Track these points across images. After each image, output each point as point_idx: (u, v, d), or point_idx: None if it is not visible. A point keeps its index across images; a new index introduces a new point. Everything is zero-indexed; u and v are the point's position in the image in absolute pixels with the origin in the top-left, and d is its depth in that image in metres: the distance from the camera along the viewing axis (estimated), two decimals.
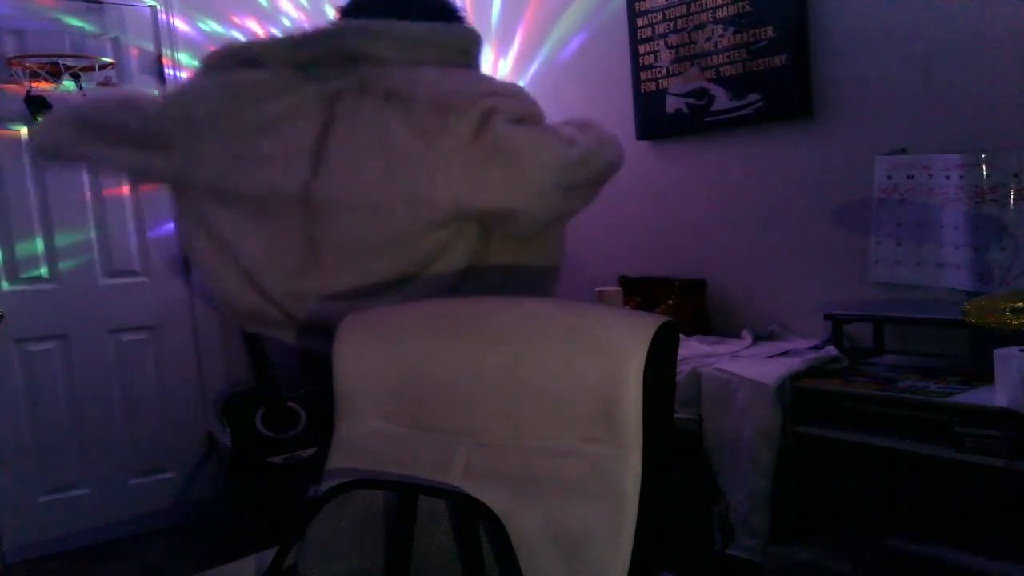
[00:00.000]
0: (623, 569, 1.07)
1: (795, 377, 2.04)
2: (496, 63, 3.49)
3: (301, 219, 1.56)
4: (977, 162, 2.07)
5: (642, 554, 1.08)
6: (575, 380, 1.14)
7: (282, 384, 2.99)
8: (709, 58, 2.67)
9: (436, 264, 1.53)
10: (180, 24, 3.30)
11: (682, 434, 2.15)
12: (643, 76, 2.89)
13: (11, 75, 2.94)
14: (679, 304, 2.69)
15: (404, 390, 1.31)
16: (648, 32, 2.85)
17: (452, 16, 1.70)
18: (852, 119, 2.37)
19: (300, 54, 1.59)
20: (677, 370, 2.00)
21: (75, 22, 3.12)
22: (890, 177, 2.26)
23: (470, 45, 1.64)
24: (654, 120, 2.88)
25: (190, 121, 1.64)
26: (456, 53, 1.61)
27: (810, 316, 2.45)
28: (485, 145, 1.44)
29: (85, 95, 1.83)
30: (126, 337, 3.28)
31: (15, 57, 2.94)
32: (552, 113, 1.62)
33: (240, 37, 3.36)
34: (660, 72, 2.83)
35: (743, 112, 2.60)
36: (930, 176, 2.18)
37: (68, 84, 3.00)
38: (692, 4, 2.70)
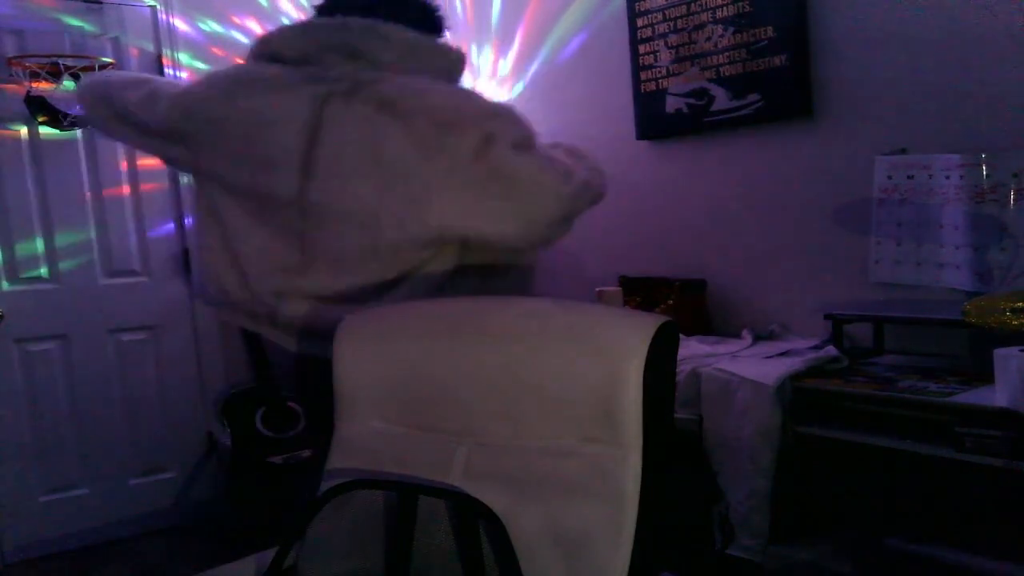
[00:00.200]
0: (623, 569, 1.07)
1: (795, 377, 2.04)
2: (496, 63, 3.49)
3: (295, 221, 1.56)
4: (977, 162, 2.07)
5: (642, 554, 1.08)
6: (575, 380, 1.14)
7: (282, 384, 2.99)
8: (709, 58, 2.67)
9: (424, 268, 1.54)
10: (180, 24, 3.30)
11: (682, 434, 2.15)
12: (643, 76, 2.89)
13: (11, 75, 2.94)
14: (679, 304, 2.69)
15: (404, 390, 1.31)
16: (648, 32, 2.85)
17: (437, 24, 1.69)
18: (852, 119, 2.37)
19: (310, 43, 1.58)
20: (677, 370, 2.00)
21: (75, 22, 3.12)
22: (890, 177, 2.26)
23: (456, 65, 1.65)
24: (654, 120, 2.88)
25: (191, 120, 1.65)
26: (444, 70, 1.62)
27: (810, 316, 2.45)
28: (485, 170, 1.45)
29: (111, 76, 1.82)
30: (126, 337, 3.28)
31: (15, 57, 2.94)
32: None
33: (240, 37, 3.36)
34: (660, 72, 2.83)
35: (743, 112, 2.60)
36: (930, 176, 2.18)
37: (68, 84, 3.00)
38: (692, 4, 2.70)
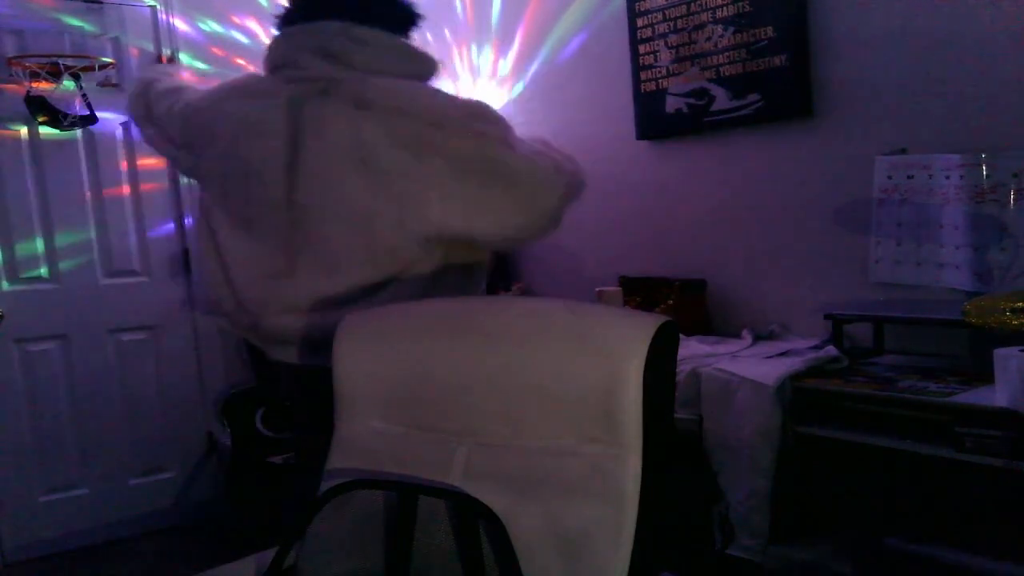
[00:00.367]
0: (623, 569, 1.07)
1: (795, 377, 2.04)
2: (496, 63, 3.49)
3: (284, 226, 1.57)
4: (977, 162, 2.07)
5: (642, 554, 1.08)
6: (575, 380, 1.14)
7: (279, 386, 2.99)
8: (709, 58, 2.67)
9: (411, 270, 1.54)
10: (180, 24, 3.30)
11: (682, 434, 2.15)
12: (643, 76, 2.89)
13: (11, 75, 2.94)
14: (679, 304, 2.69)
15: (404, 390, 1.31)
16: (648, 32, 2.85)
17: (406, 24, 1.70)
18: (852, 119, 2.36)
19: (288, 48, 1.61)
20: (677, 370, 2.00)
21: (75, 22, 3.12)
22: (890, 177, 2.26)
23: (428, 70, 1.66)
24: (654, 120, 2.88)
25: (191, 128, 1.69)
26: (416, 75, 1.63)
27: (810, 316, 2.45)
28: (482, 169, 1.45)
29: (156, 80, 1.90)
30: (126, 337, 3.28)
31: (15, 57, 2.94)
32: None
33: (240, 37, 3.36)
34: (660, 72, 2.83)
35: (743, 112, 2.60)
36: (930, 176, 2.18)
37: (68, 84, 3.00)
38: (692, 4, 2.70)
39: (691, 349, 2.41)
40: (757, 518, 2.03)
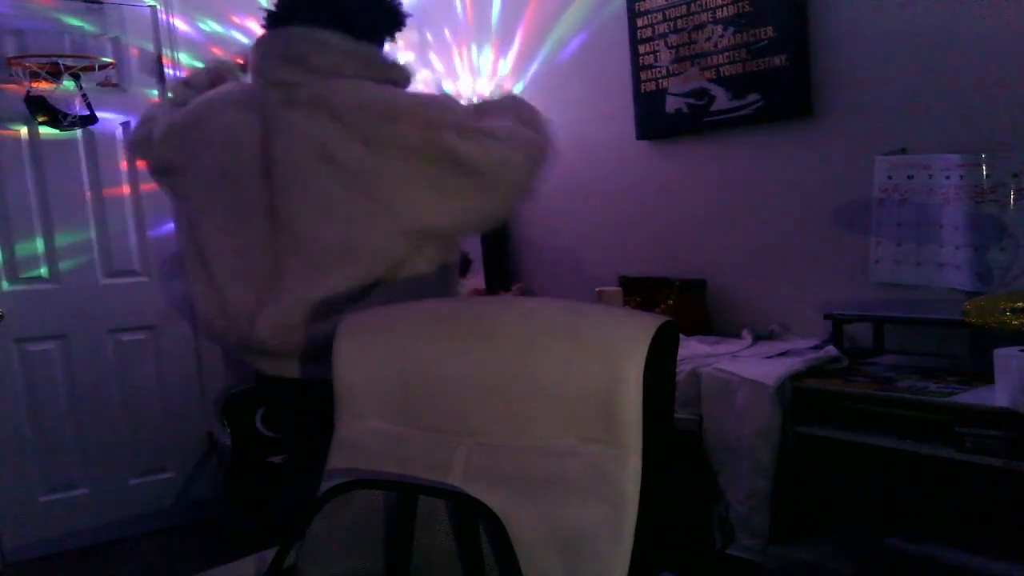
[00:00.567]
0: (623, 569, 1.07)
1: (795, 377, 2.04)
2: (496, 63, 3.49)
3: (268, 233, 1.57)
4: (977, 162, 2.07)
5: (642, 554, 1.08)
6: (575, 380, 1.14)
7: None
8: (709, 58, 2.67)
9: (404, 270, 1.55)
10: (180, 24, 3.30)
11: (682, 434, 2.15)
12: (643, 76, 2.89)
13: (11, 75, 2.94)
14: (679, 304, 2.69)
15: (404, 390, 1.31)
16: (648, 32, 2.85)
17: (378, 30, 1.70)
18: (852, 119, 2.36)
19: (258, 54, 1.63)
20: (677, 370, 2.00)
21: (75, 22, 3.12)
22: (890, 177, 2.26)
23: (393, 75, 1.64)
24: (654, 120, 2.88)
25: (173, 146, 1.72)
26: (383, 81, 1.61)
27: (810, 316, 2.45)
28: (437, 159, 1.46)
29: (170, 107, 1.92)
30: (126, 337, 3.28)
31: (15, 57, 2.94)
32: (552, 113, 1.63)
33: (240, 37, 3.36)
34: (660, 72, 2.83)
35: (743, 112, 2.60)
36: (930, 176, 2.18)
37: (68, 84, 3.00)
38: (692, 4, 2.70)
39: (691, 349, 2.41)
40: (757, 518, 2.03)
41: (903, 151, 2.23)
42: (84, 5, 3.13)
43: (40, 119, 2.97)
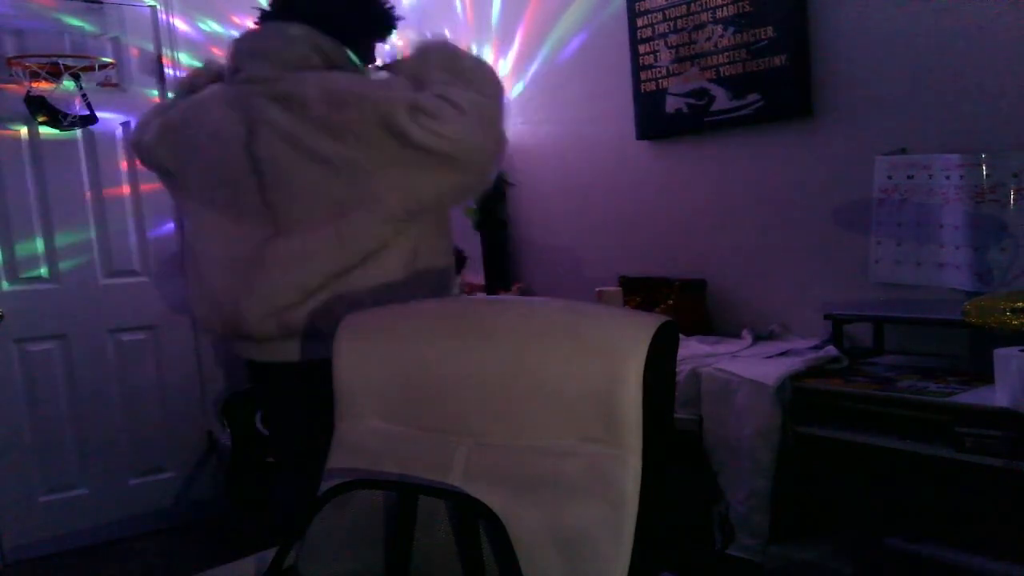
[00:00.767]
0: (623, 569, 1.07)
1: (795, 377, 2.03)
2: (496, 63, 3.49)
3: (263, 230, 1.59)
4: (977, 162, 2.07)
5: (642, 554, 1.08)
6: (575, 380, 1.14)
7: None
8: (709, 58, 2.67)
9: (384, 253, 1.55)
10: (180, 24, 3.30)
11: (682, 434, 2.15)
12: (643, 76, 2.89)
13: (11, 75, 2.94)
14: (679, 304, 2.69)
15: (404, 390, 1.31)
16: (648, 32, 2.85)
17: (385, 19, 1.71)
18: (852, 119, 2.36)
19: (236, 51, 1.65)
20: (677, 370, 2.00)
21: (75, 22, 3.12)
22: (890, 177, 2.26)
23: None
24: (654, 120, 2.88)
25: (167, 147, 1.74)
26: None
27: (810, 316, 2.45)
28: (396, 142, 1.46)
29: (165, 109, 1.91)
30: (126, 337, 3.28)
31: (15, 57, 2.94)
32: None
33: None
34: (660, 72, 2.83)
35: (743, 112, 2.60)
36: (930, 176, 2.18)
37: (68, 84, 3.00)
38: (692, 4, 2.70)
39: (691, 349, 2.41)
40: (757, 518, 2.03)
41: (903, 151, 2.23)
42: (84, 5, 3.13)
43: (40, 119, 2.97)
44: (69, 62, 2.97)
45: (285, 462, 1.97)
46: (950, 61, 2.14)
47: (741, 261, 2.70)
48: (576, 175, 3.21)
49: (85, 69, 3.01)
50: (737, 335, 2.57)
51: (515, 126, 3.40)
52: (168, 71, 3.28)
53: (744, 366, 2.13)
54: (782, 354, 2.25)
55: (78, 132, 3.12)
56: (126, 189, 3.26)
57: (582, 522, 1.10)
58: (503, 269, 3.46)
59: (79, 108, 3.04)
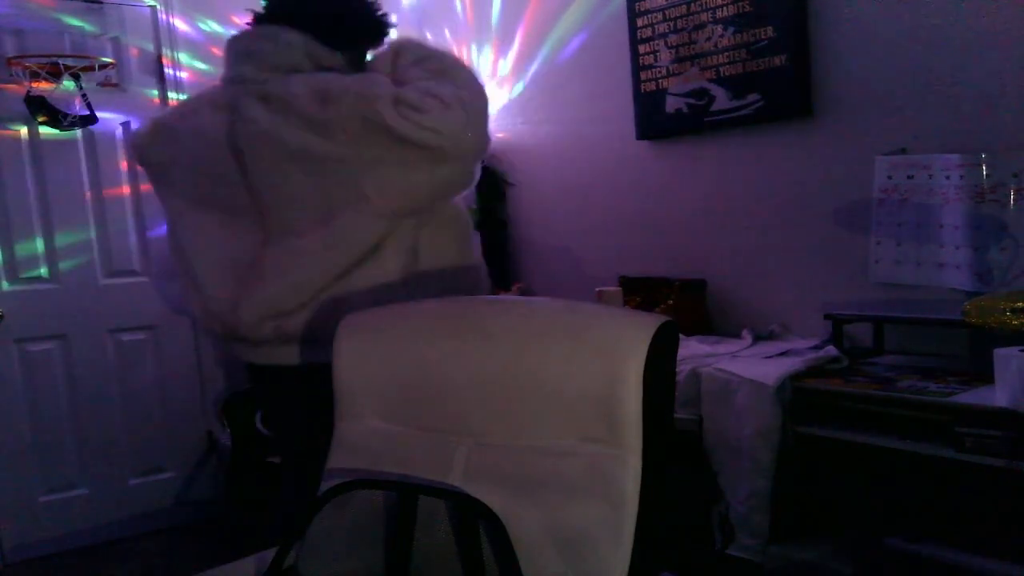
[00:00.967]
0: (623, 569, 1.07)
1: (795, 377, 2.03)
2: (496, 63, 3.49)
3: (251, 230, 1.59)
4: (977, 162, 2.07)
5: (642, 554, 1.08)
6: (575, 380, 1.14)
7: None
8: (709, 58, 2.67)
9: (380, 252, 1.55)
10: (180, 24, 3.30)
11: (682, 434, 2.15)
12: (643, 76, 2.89)
13: (11, 75, 2.94)
14: (679, 304, 2.69)
15: (404, 390, 1.31)
16: (648, 32, 2.85)
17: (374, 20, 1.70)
18: (852, 119, 2.36)
19: (228, 53, 1.66)
20: (677, 370, 2.00)
21: (75, 22, 3.12)
22: (890, 177, 2.26)
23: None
24: (654, 120, 2.88)
25: (160, 146, 1.73)
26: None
27: (810, 316, 2.45)
28: (382, 136, 1.46)
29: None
30: (126, 337, 3.28)
31: (15, 57, 2.94)
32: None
33: None
34: (660, 72, 2.83)
35: (743, 112, 2.60)
36: (930, 176, 2.18)
37: (68, 84, 3.00)
38: (692, 4, 2.70)
39: (691, 349, 2.41)
40: (757, 518, 2.03)
41: (903, 151, 2.23)
42: (84, 5, 3.13)
43: (40, 119, 2.97)
44: (69, 62, 2.97)
45: (285, 462, 1.97)
46: (950, 61, 2.14)
47: (741, 261, 2.70)
48: (576, 175, 3.21)
49: (85, 69, 3.01)
50: (737, 335, 2.57)
51: (515, 126, 3.40)
52: (168, 71, 3.28)
53: (744, 366, 2.13)
54: (782, 354, 2.25)
55: (78, 132, 3.13)
56: (126, 189, 3.26)
57: (582, 522, 1.10)
58: (503, 269, 3.46)
59: (79, 108, 3.04)
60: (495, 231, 3.47)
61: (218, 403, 3.33)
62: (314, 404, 1.44)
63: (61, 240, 3.13)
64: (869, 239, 2.32)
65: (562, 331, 1.19)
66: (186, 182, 1.69)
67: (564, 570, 1.09)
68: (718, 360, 2.23)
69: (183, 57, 3.30)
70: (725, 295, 2.75)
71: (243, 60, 1.60)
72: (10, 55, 2.95)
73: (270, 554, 1.20)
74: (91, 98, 3.05)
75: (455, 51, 3.64)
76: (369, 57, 1.69)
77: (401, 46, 1.62)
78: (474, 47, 3.58)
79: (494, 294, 3.29)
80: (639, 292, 2.85)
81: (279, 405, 1.81)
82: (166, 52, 3.27)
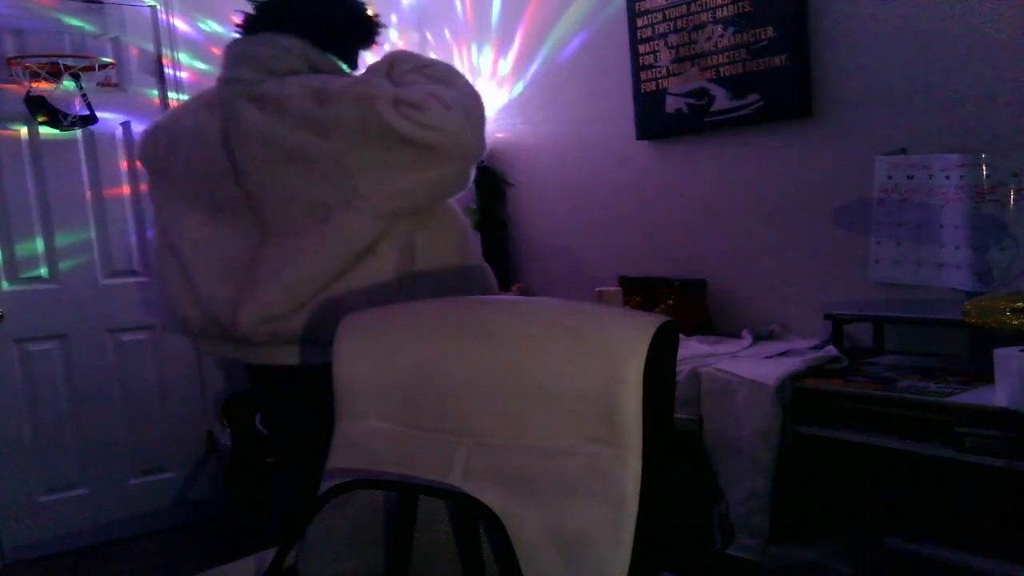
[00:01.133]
0: (623, 569, 1.07)
1: (795, 377, 2.03)
2: (496, 63, 3.49)
3: (245, 229, 1.60)
4: (977, 162, 2.07)
5: (642, 554, 1.08)
6: (575, 380, 1.14)
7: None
8: (709, 58, 2.67)
9: (376, 251, 1.54)
10: (180, 24, 3.30)
11: (682, 434, 2.15)
12: (643, 76, 2.89)
13: (11, 75, 2.94)
14: (679, 304, 2.69)
15: (404, 390, 1.31)
16: (648, 32, 2.85)
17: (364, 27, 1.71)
18: (852, 119, 2.36)
19: (226, 56, 1.68)
20: (677, 370, 2.00)
21: (75, 22, 3.12)
22: (890, 177, 2.26)
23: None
24: (654, 120, 2.88)
25: (158, 146, 1.75)
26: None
27: (810, 316, 2.45)
28: (382, 136, 1.45)
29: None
30: (126, 337, 3.28)
31: (15, 57, 2.94)
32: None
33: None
34: (660, 72, 2.83)
35: (743, 112, 2.60)
36: (930, 176, 2.18)
37: (68, 84, 3.00)
38: (692, 4, 2.70)
39: (691, 349, 2.41)
40: (757, 518, 2.03)
41: (903, 151, 2.23)
42: (84, 5, 3.13)
43: (40, 119, 2.97)
44: (69, 62, 2.97)
45: (285, 462, 1.97)
46: (950, 61, 2.14)
47: (741, 261, 2.70)
48: (576, 175, 3.21)
49: (85, 69, 3.01)
50: (737, 335, 2.57)
51: (515, 126, 3.40)
52: (168, 71, 3.27)
53: (744, 366, 2.13)
54: (782, 354, 2.25)
55: (78, 132, 3.13)
56: (126, 189, 3.26)
57: (582, 522, 1.10)
58: (503, 269, 3.46)
59: (79, 108, 3.04)
60: (495, 231, 3.47)
61: (218, 403, 3.33)
62: (314, 404, 1.44)
63: (61, 240, 3.14)
64: (869, 239, 2.32)
65: (562, 331, 1.19)
66: (187, 183, 1.69)
67: (564, 570, 1.09)
68: (718, 360, 2.23)
69: (183, 57, 3.30)
70: (725, 295, 2.75)
71: (241, 63, 1.61)
72: (10, 55, 2.95)
73: (270, 554, 1.20)
74: (91, 98, 3.05)
75: (455, 51, 3.64)
76: (363, 66, 1.70)
77: (396, 57, 1.62)
78: (474, 47, 3.58)
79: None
80: (639, 292, 2.85)
81: (279, 405, 1.81)
82: (166, 52, 3.27)
